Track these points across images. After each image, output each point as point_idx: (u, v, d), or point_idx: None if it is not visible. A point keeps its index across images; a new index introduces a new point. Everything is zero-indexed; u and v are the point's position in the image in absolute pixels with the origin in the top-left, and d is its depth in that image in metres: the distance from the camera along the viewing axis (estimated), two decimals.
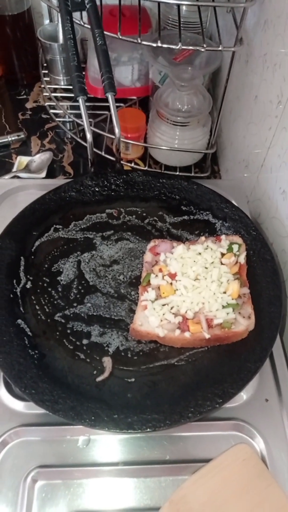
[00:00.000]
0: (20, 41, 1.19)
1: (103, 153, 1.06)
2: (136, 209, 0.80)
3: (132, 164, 1.07)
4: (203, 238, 0.72)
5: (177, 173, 1.04)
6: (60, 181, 0.84)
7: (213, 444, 0.61)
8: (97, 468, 0.60)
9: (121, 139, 0.79)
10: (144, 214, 0.79)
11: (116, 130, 0.76)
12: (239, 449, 0.60)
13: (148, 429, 0.56)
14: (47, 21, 1.27)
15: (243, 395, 0.64)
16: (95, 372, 0.63)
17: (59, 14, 1.11)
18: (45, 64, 1.21)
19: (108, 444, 0.61)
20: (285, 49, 0.72)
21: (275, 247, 0.77)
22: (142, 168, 1.06)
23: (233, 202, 0.79)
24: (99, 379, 0.61)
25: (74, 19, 0.79)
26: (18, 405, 0.62)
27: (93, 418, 0.56)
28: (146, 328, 0.63)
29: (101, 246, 0.75)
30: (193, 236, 0.77)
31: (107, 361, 0.63)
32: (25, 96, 1.24)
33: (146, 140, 1.08)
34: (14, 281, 0.69)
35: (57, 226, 0.77)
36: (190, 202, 0.79)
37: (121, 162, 0.84)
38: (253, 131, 0.87)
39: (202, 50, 0.85)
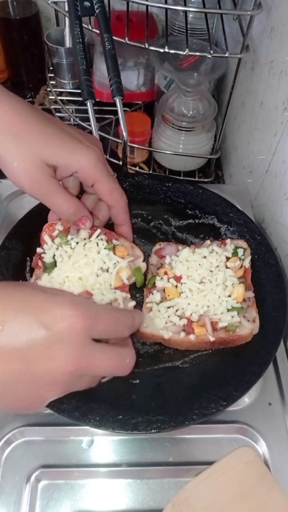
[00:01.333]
0: (27, 45, 1.20)
1: (108, 157, 1.06)
2: (142, 212, 0.80)
3: (137, 168, 1.08)
4: (208, 241, 0.72)
5: (181, 177, 1.05)
6: None
7: (216, 446, 0.62)
8: (100, 469, 0.60)
9: (127, 148, 0.80)
10: (150, 217, 0.80)
11: (124, 134, 0.76)
12: (242, 452, 0.60)
13: (153, 430, 0.56)
14: (54, 26, 1.28)
15: (246, 399, 0.64)
16: None
17: (67, 19, 1.13)
18: (51, 68, 1.22)
19: (111, 446, 0.61)
20: None
21: (279, 252, 0.78)
22: (148, 172, 1.07)
23: (238, 207, 0.80)
24: (104, 380, 0.62)
25: (83, 25, 0.80)
26: None
27: (98, 418, 0.56)
28: (151, 330, 0.63)
29: None
30: (198, 240, 0.77)
31: None
32: (30, 99, 1.25)
33: (151, 144, 1.09)
34: (20, 281, 0.69)
35: None
36: (195, 206, 0.80)
37: (127, 166, 0.85)
38: (258, 137, 0.88)
39: (209, 56, 0.86)
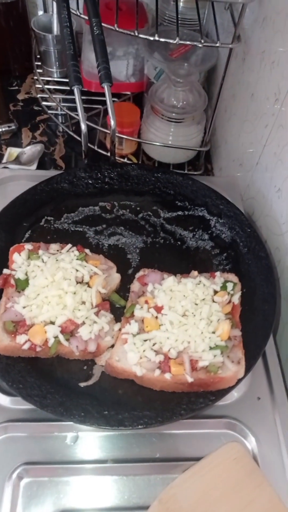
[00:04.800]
0: (14, 31, 1.16)
1: (95, 148, 1.04)
2: (130, 203, 0.79)
3: (125, 160, 1.06)
4: (195, 272, 0.67)
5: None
6: (52, 172, 0.82)
7: (204, 442, 0.60)
8: (85, 465, 0.58)
9: (115, 136, 0.77)
10: (138, 209, 0.78)
11: (112, 122, 0.74)
12: (231, 447, 0.59)
13: (140, 426, 0.55)
14: (41, 12, 1.25)
15: (235, 393, 0.63)
16: (85, 367, 0.61)
17: (54, 4, 1.10)
18: (38, 56, 1.19)
19: (96, 441, 0.60)
20: (284, 47, 0.71)
21: (269, 245, 0.77)
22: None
23: (228, 199, 0.79)
24: (83, 384, 0.60)
25: (70, 9, 0.78)
26: (4, 400, 0.60)
27: (83, 414, 0.55)
28: (123, 365, 0.58)
29: (94, 239, 0.74)
30: (187, 232, 0.76)
31: (97, 370, 0.61)
32: (17, 87, 1.22)
33: (140, 135, 1.07)
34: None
35: (49, 218, 0.75)
36: (185, 198, 0.78)
37: (115, 156, 0.83)
38: (249, 129, 0.87)
39: (200, 45, 0.84)
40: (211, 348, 0.58)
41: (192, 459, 0.58)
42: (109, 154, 0.85)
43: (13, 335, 0.59)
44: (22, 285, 0.62)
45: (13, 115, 1.14)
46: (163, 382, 0.57)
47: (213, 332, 0.59)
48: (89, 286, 0.63)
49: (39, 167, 1.02)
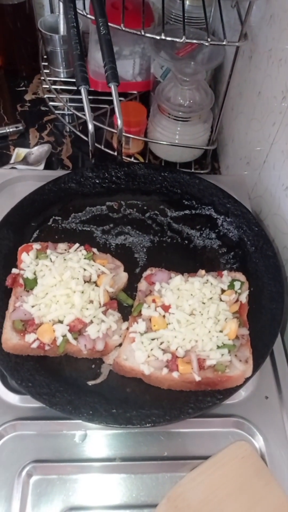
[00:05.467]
0: (21, 32, 1.17)
1: (102, 147, 1.04)
2: (137, 202, 0.79)
3: (132, 159, 1.06)
4: (203, 271, 0.67)
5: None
6: (59, 172, 0.82)
7: (211, 441, 0.60)
8: (94, 463, 0.58)
9: (122, 136, 0.78)
10: (145, 208, 0.78)
11: (119, 121, 0.74)
12: (238, 446, 0.59)
13: (148, 425, 0.55)
14: (48, 13, 1.26)
15: (243, 392, 0.63)
16: (93, 366, 0.62)
17: (61, 5, 1.10)
18: (45, 56, 1.19)
19: (105, 440, 0.60)
20: None
21: (277, 244, 0.77)
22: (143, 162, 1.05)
23: (235, 197, 0.79)
24: (91, 383, 0.60)
25: (77, 10, 0.78)
26: (13, 398, 0.61)
27: (91, 412, 0.55)
28: (131, 364, 0.58)
29: (101, 239, 0.74)
30: (194, 231, 0.76)
31: (105, 368, 0.62)
32: (24, 88, 1.22)
33: (147, 135, 1.07)
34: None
35: (56, 218, 0.76)
36: (192, 197, 0.78)
37: (122, 155, 0.83)
38: (256, 128, 0.87)
39: (206, 44, 0.84)
40: (218, 347, 0.58)
41: (200, 457, 0.58)
42: (116, 153, 0.85)
43: (22, 334, 0.59)
44: (30, 284, 0.62)
45: (20, 116, 1.15)
46: (171, 381, 0.57)
47: (221, 331, 0.59)
48: (96, 285, 0.64)
49: (47, 167, 1.03)
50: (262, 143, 0.84)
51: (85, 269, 0.63)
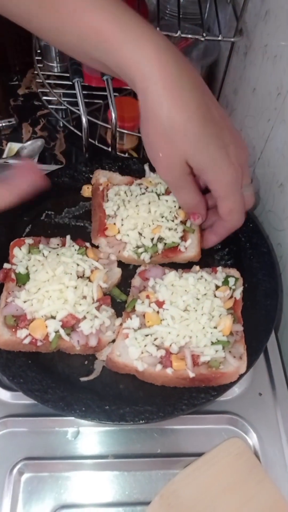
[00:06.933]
0: (13, 26, 1.15)
1: (96, 143, 1.03)
2: None
3: (126, 155, 1.05)
4: (197, 267, 0.67)
5: None
6: (52, 166, 0.81)
7: (205, 437, 0.60)
8: (86, 461, 0.58)
9: (116, 129, 0.77)
10: None
11: (113, 115, 0.74)
12: (232, 443, 0.59)
13: (141, 421, 0.54)
14: None
15: (236, 389, 0.63)
16: (86, 362, 0.61)
17: None
18: (38, 51, 1.18)
19: (97, 437, 0.59)
20: (286, 41, 0.71)
21: (271, 240, 0.76)
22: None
23: None
24: (83, 379, 0.59)
25: None
26: (5, 395, 0.60)
27: (83, 409, 0.55)
28: (124, 360, 0.58)
29: None
30: None
31: (98, 364, 0.61)
32: (17, 82, 1.21)
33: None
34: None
35: (49, 212, 0.75)
36: None
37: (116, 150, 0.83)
38: (250, 124, 0.87)
39: (201, 39, 0.84)
40: (212, 343, 0.57)
41: (194, 454, 0.58)
42: (110, 149, 0.84)
43: (13, 330, 0.58)
44: (22, 279, 0.61)
45: (13, 110, 1.14)
46: (165, 377, 0.57)
47: (215, 327, 0.58)
48: (90, 280, 0.63)
49: (40, 162, 1.01)
50: (256, 140, 0.83)
51: (78, 264, 0.62)
